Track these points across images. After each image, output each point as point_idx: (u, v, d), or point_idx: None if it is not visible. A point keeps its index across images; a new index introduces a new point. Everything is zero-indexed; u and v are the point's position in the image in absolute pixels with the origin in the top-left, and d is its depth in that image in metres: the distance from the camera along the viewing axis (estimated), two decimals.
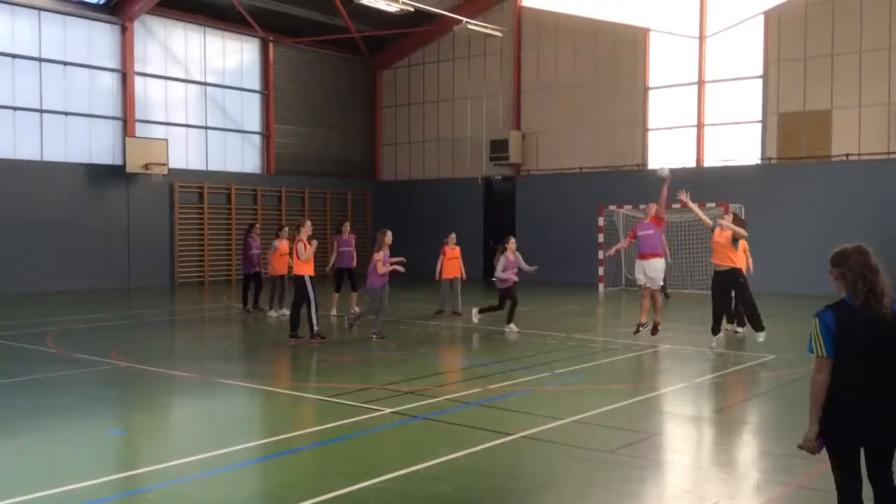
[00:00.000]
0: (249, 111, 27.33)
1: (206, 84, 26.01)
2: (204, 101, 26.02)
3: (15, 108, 21.71)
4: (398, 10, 23.12)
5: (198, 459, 6.54)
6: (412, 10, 23.60)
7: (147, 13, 23.96)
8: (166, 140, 24.02)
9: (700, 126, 24.01)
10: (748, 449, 7.16)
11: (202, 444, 7.05)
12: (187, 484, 6.05)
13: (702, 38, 23.90)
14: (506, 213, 27.37)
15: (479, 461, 6.48)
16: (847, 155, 21.38)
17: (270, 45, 27.50)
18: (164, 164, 23.51)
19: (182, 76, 25.39)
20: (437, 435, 7.43)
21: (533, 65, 27.02)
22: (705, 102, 23.94)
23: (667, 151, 24.51)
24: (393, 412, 8.05)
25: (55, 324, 14.99)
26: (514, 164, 27.05)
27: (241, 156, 27.12)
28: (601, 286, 22.90)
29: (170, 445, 7.27)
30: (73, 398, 8.97)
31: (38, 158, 22.09)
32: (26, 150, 21.90)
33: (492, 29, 25.72)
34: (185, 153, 25.37)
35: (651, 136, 24.90)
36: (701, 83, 23.95)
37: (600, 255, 23.02)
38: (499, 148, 26.97)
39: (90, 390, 9.52)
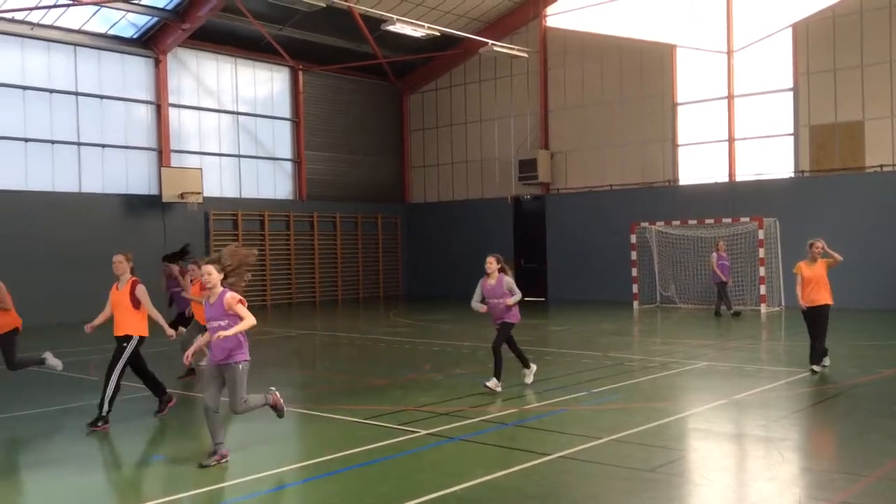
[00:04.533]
0: (281, 138, 27.73)
1: (238, 113, 26.47)
2: (236, 130, 26.47)
3: (53, 142, 22.26)
4: (424, 35, 23.38)
5: (236, 483, 6.63)
6: (438, 34, 23.85)
7: (180, 46, 24.48)
8: (200, 169, 24.45)
9: (731, 140, 23.88)
10: (788, 466, 7.08)
11: (240, 468, 7.13)
12: None
13: (730, 52, 23.84)
14: (536, 232, 27.41)
15: (517, 482, 6.49)
16: (881, 166, 21.11)
17: (300, 73, 27.93)
18: (198, 193, 23.92)
19: (215, 106, 25.88)
20: (473, 456, 7.45)
21: (559, 84, 27.11)
22: (735, 117, 23.83)
23: (698, 167, 24.43)
24: (428, 434, 8.09)
25: (95, 352, 15.24)
26: (543, 183, 27.09)
27: (273, 183, 27.49)
28: (636, 304, 22.79)
29: (209, 470, 7.36)
30: (122, 424, 9.12)
31: (76, 190, 22.60)
32: (65, 182, 22.42)
33: (517, 50, 25.88)
34: (220, 181, 25.80)
35: (681, 151, 24.82)
36: (730, 97, 23.85)
37: (633, 272, 22.95)
38: (527, 167, 27.05)
39: (130, 417, 9.68)
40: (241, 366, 7.19)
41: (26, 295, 20.49)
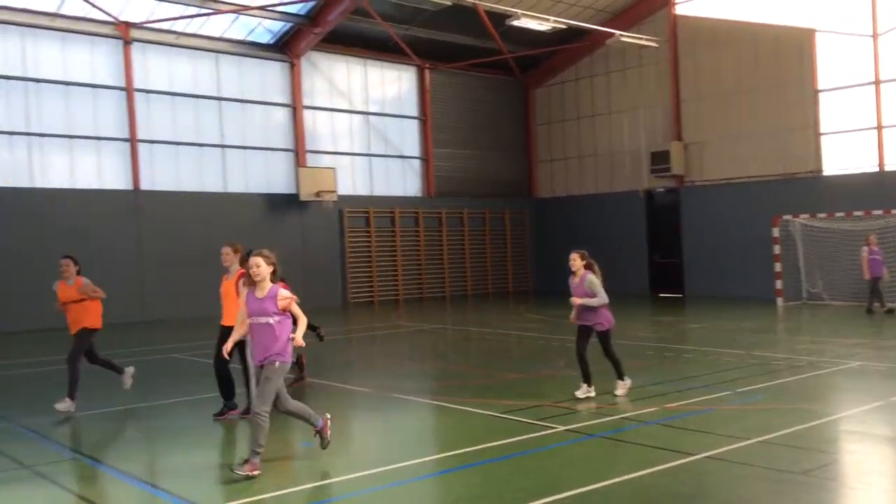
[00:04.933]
0: (409, 137, 28.23)
1: (368, 113, 27.16)
2: (367, 130, 27.17)
3: (201, 145, 23.56)
4: (550, 28, 23.20)
5: (376, 472, 6.78)
6: (564, 27, 23.61)
7: (312, 50, 25.34)
8: (334, 168, 25.26)
9: (879, 128, 22.44)
10: None
11: (380, 458, 7.31)
12: (366, 496, 6.28)
13: (875, 35, 22.38)
14: (670, 225, 26.70)
15: (663, 481, 6.35)
16: None
17: (426, 71, 28.32)
18: (333, 192, 24.72)
19: (346, 107, 26.65)
20: (615, 453, 7.35)
21: (691, 73, 26.26)
22: (883, 103, 22.36)
23: (844, 156, 23.09)
24: (567, 430, 8.04)
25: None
26: (676, 175, 26.34)
27: (403, 180, 28.03)
28: (779, 300, 21.74)
29: (350, 458, 7.59)
30: None
31: (221, 190, 23.83)
32: (211, 183, 23.69)
33: (646, 40, 25.27)
34: (352, 180, 26.56)
35: (825, 140, 23.52)
36: (877, 83, 22.41)
37: (777, 267, 21.90)
38: (660, 159, 26.36)
39: None
40: (277, 363, 6.79)
41: (181, 290, 21.94)
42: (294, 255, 24.82)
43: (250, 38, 24.72)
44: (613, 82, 28.52)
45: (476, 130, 29.75)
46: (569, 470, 6.82)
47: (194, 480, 6.84)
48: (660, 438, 7.65)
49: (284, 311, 6.82)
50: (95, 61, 21.87)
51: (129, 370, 10.55)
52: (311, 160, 25.49)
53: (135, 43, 22.35)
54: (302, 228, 25.13)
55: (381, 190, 27.37)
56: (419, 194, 28.41)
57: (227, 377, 9.24)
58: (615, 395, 9.56)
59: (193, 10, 22.49)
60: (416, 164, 28.46)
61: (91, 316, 10.01)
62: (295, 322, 7.03)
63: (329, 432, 7.30)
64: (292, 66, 25.25)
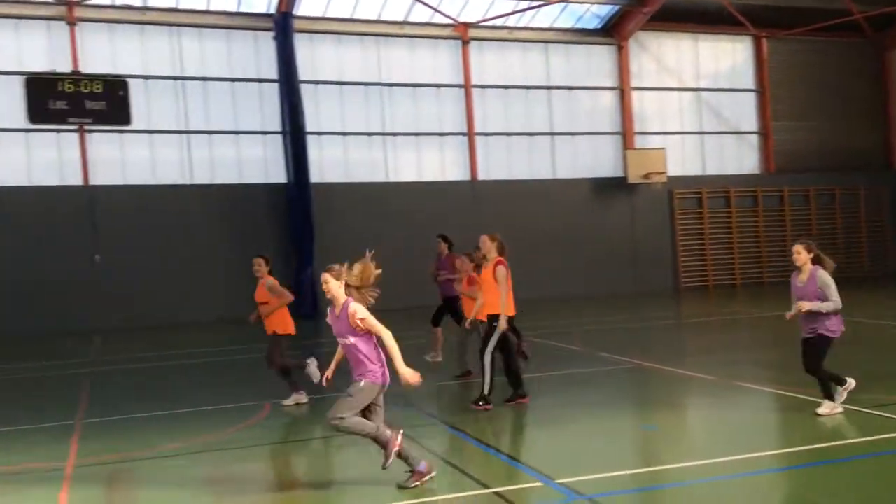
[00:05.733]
0: (745, 111, 26.70)
1: (699, 90, 26.13)
2: (698, 107, 26.17)
3: (531, 134, 24.46)
4: None
5: (717, 462, 6.48)
6: None
7: (640, 30, 24.97)
8: (664, 149, 24.71)
9: None
10: None
11: (721, 447, 6.99)
12: (706, 485, 6.05)
13: None
14: None
15: None
16: None
17: (763, 41, 26.52)
18: (663, 173, 24.22)
19: (675, 85, 25.92)
20: None
21: None
22: None
23: None
24: None
25: (573, 326, 16.40)
26: None
27: (738, 158, 26.59)
28: None
29: (689, 445, 7.39)
30: (603, 392, 9.69)
31: (550, 177, 24.53)
32: (541, 170, 24.48)
33: None
34: (682, 160, 25.77)
35: None
36: None
37: None
38: None
39: (618, 386, 10.21)
40: (363, 383, 6.07)
41: (524, 273, 22.76)
42: (622, 240, 24.85)
43: (578, 25, 25.04)
44: None
45: (820, 99, 27.18)
46: None
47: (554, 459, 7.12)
48: None
49: (361, 329, 6.06)
50: (438, 62, 23.66)
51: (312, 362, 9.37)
52: (638, 142, 25.20)
53: (472, 42, 23.78)
54: (630, 212, 24.97)
55: (713, 169, 26.21)
56: (757, 171, 26.71)
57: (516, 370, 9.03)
58: (818, 415, 7.74)
59: (525, 4, 23.34)
60: (754, 139, 26.79)
61: (277, 321, 9.41)
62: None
63: (395, 450, 6.07)
64: (619, 48, 25.12)
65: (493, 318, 8.72)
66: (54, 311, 19.43)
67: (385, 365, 6.14)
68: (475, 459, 7.19)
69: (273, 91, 21.88)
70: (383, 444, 6.06)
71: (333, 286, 6.12)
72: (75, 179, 20.42)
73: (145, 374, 13.03)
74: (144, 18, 21.03)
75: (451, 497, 6.03)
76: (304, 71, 21.81)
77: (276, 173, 21.99)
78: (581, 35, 25.05)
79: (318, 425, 8.44)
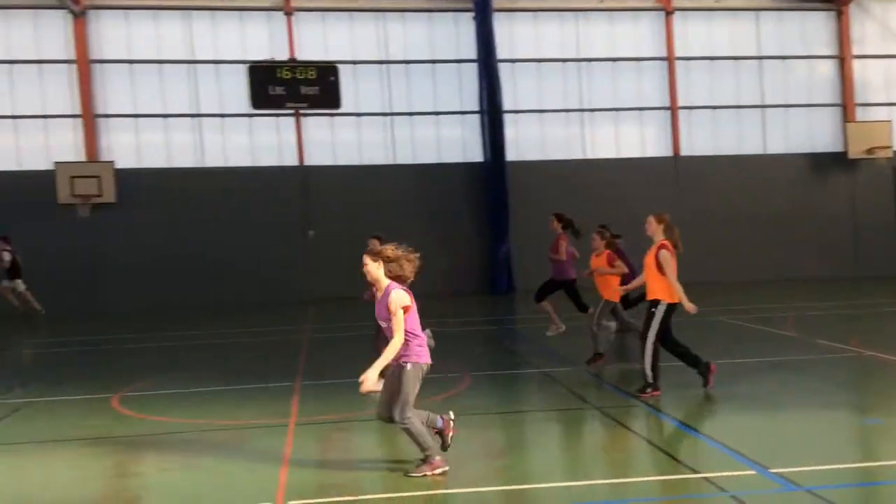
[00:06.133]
0: None
1: None
2: None
3: (740, 107, 23.25)
4: None
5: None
6: None
7: None
8: (889, 122, 22.68)
9: None
10: None
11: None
12: None
13: None
14: None
15: None
16: None
17: None
18: (888, 147, 22.26)
19: None
20: None
21: None
22: None
23: None
24: None
25: (785, 310, 15.46)
26: None
27: None
28: None
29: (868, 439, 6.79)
30: (821, 382, 9.09)
31: (760, 152, 23.17)
32: (750, 145, 23.19)
33: None
34: None
35: None
36: None
37: None
38: None
39: (837, 375, 9.54)
40: (409, 366, 5.92)
41: (729, 255, 21.80)
42: (841, 220, 23.09)
43: None
44: None
45: None
46: None
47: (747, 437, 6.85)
48: None
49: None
50: (639, 35, 22.99)
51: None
52: (860, 114, 23.20)
53: (676, 12, 22.87)
54: (850, 189, 23.11)
55: None
56: None
57: (683, 352, 8.60)
58: None
59: None
60: None
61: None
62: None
63: (451, 433, 6.28)
64: (839, 14, 23.19)
65: (654, 304, 8.36)
66: (272, 282, 20.99)
67: (425, 344, 6.09)
68: (683, 443, 7.01)
69: (472, 71, 22.22)
70: (440, 430, 6.25)
71: (372, 268, 6.04)
72: (292, 160, 21.87)
73: (357, 342, 13.75)
74: (354, 6, 22.05)
75: (658, 479, 5.93)
76: (501, 50, 21.97)
77: (474, 152, 22.38)
78: (795, 1, 23.36)
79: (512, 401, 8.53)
